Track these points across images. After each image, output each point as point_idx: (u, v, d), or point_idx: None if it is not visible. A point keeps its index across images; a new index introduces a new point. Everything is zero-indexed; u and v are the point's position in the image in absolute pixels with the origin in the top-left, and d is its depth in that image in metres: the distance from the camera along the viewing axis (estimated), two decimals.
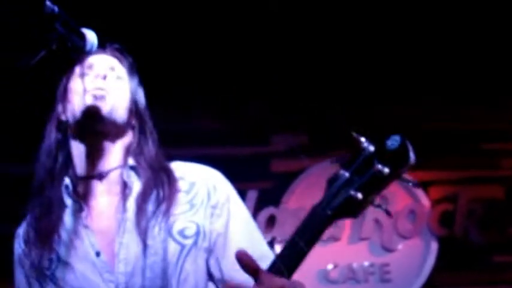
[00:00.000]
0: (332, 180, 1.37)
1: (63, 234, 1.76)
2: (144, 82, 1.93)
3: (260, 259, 1.48)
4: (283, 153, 4.71)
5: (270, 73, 4.40)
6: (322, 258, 4.36)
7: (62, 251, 1.75)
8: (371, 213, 4.48)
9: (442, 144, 4.50)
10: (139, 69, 1.93)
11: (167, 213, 1.73)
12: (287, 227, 4.54)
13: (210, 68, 4.31)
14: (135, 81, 1.89)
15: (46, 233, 1.76)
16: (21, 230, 1.88)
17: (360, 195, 1.32)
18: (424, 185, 4.48)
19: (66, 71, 1.80)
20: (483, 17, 4.11)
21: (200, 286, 1.74)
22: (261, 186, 4.58)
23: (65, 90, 1.82)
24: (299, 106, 4.51)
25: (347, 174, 1.35)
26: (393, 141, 1.30)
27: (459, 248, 4.49)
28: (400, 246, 4.50)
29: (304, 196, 4.58)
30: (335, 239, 4.48)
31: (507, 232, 4.51)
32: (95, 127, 1.76)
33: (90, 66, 1.82)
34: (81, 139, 1.80)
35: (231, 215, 1.81)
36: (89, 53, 1.59)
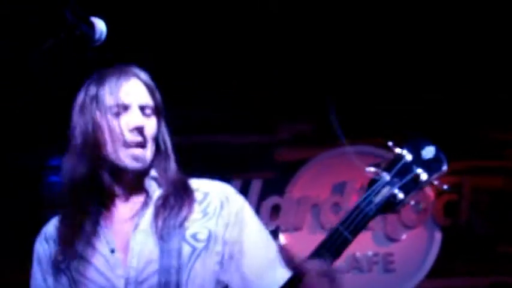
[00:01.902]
0: (374, 181, 1.63)
1: (83, 235, 1.85)
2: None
3: (272, 263, 1.83)
4: (287, 143, 4.71)
5: (274, 64, 4.39)
6: None
7: (79, 247, 1.84)
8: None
9: (446, 134, 4.50)
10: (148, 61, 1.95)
11: (182, 219, 1.84)
12: (291, 216, 4.55)
13: (215, 59, 4.30)
14: (160, 107, 1.94)
15: (68, 236, 1.86)
16: (45, 229, 1.98)
17: (401, 195, 1.61)
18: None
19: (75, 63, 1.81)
20: (481, 14, 4.10)
21: (207, 286, 1.83)
22: (265, 176, 4.59)
23: (99, 127, 1.85)
24: (304, 95, 4.51)
25: (388, 177, 1.61)
26: (428, 152, 1.62)
27: (463, 238, 4.49)
28: (404, 236, 4.51)
29: (308, 185, 4.60)
30: None
31: (511, 222, 4.51)
32: (132, 173, 1.87)
33: (126, 108, 1.85)
34: (111, 171, 1.88)
35: (245, 223, 1.90)
36: (98, 41, 1.59)
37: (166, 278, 1.78)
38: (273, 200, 4.56)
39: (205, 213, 1.88)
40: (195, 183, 1.94)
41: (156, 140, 1.92)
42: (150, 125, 1.88)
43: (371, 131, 4.51)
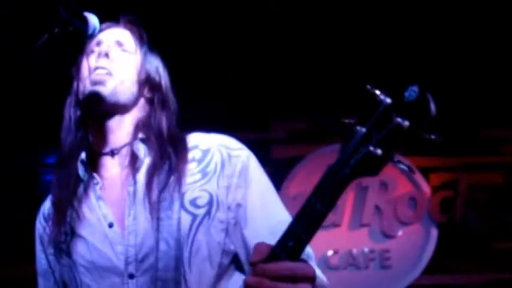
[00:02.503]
0: (348, 137, 1.26)
1: (78, 207, 1.74)
2: None
3: (279, 229, 1.42)
4: (283, 140, 4.72)
5: (270, 61, 4.39)
6: (323, 244, 4.38)
7: (76, 223, 1.73)
8: (371, 199, 4.49)
9: (442, 130, 4.49)
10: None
11: (178, 184, 1.66)
12: None
13: (211, 56, 4.30)
14: (147, 51, 1.85)
15: (61, 207, 1.75)
16: (43, 207, 1.89)
17: (379, 151, 1.22)
18: (425, 172, 4.49)
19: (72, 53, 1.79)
20: (479, 10, 4.10)
21: (213, 258, 1.67)
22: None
23: (77, 69, 1.80)
24: (299, 93, 4.51)
25: (364, 130, 1.25)
26: (411, 92, 1.21)
27: (459, 235, 4.49)
28: (400, 233, 4.51)
29: (304, 182, 4.58)
30: (335, 225, 4.49)
31: (507, 219, 4.52)
32: (97, 109, 1.74)
33: (98, 43, 1.79)
34: (91, 118, 1.78)
35: (248, 183, 1.71)
36: (91, 36, 1.58)
37: (164, 254, 1.62)
38: None
39: (204, 174, 1.70)
40: (194, 139, 1.79)
41: (145, 87, 1.82)
42: (126, 59, 1.79)
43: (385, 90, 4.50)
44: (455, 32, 4.22)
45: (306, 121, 4.69)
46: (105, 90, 1.71)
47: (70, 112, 1.81)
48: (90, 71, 1.73)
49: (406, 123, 1.19)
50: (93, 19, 1.57)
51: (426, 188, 4.49)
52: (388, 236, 4.51)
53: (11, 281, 4.25)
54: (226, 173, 1.70)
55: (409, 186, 4.50)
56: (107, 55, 1.74)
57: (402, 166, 1.28)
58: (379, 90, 1.26)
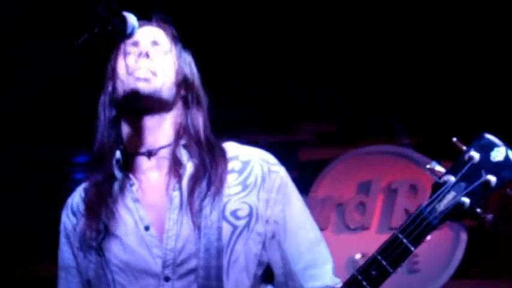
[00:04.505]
0: (438, 185, 1.45)
1: (113, 207, 1.76)
2: None
3: (314, 245, 1.73)
4: (311, 142, 4.71)
5: (299, 65, 4.39)
6: (351, 247, 4.36)
7: (110, 223, 1.75)
8: (401, 202, 4.46)
9: (470, 135, 4.45)
10: None
11: (219, 194, 1.71)
12: (315, 216, 4.49)
13: (242, 59, 4.31)
14: (182, 51, 1.87)
15: (96, 205, 1.77)
16: (71, 200, 1.90)
17: (467, 202, 1.41)
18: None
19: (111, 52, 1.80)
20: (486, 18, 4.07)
21: (250, 269, 1.73)
22: (289, 175, 4.58)
23: (112, 69, 1.81)
24: (327, 95, 4.50)
25: (453, 180, 1.44)
26: (498, 154, 1.43)
27: (489, 240, 4.44)
28: (429, 237, 4.45)
29: (333, 185, 4.59)
30: (364, 228, 4.47)
31: None
32: (138, 107, 1.76)
33: (135, 43, 1.80)
34: (129, 117, 1.80)
35: (287, 200, 1.79)
36: (130, 36, 1.59)
37: (206, 262, 1.66)
38: None
39: (245, 186, 1.75)
40: (233, 149, 1.84)
41: (183, 88, 1.83)
42: (166, 61, 1.80)
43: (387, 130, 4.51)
44: (473, 33, 4.19)
45: (334, 123, 4.68)
46: (149, 87, 1.73)
47: (105, 111, 1.83)
48: (131, 70, 1.75)
49: (494, 179, 1.40)
50: (131, 18, 1.58)
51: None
52: None
53: (32, 279, 4.30)
54: (266, 187, 1.76)
55: None
56: (147, 55, 1.76)
57: (483, 216, 1.44)
58: (466, 145, 1.47)
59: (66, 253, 1.88)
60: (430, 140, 4.50)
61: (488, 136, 1.49)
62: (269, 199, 1.75)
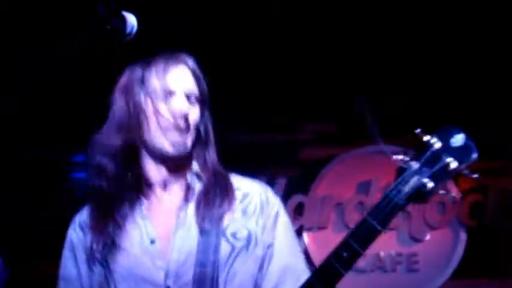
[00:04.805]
0: (402, 169, 1.56)
1: (121, 222, 1.84)
2: None
3: (294, 269, 1.89)
4: (312, 142, 4.71)
5: (298, 63, 4.39)
6: None
7: (117, 237, 1.84)
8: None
9: (472, 134, 4.45)
10: None
11: (223, 216, 1.85)
12: (315, 215, 4.55)
13: (242, 58, 4.31)
14: (205, 96, 1.95)
15: (104, 221, 1.85)
16: (78, 217, 1.98)
17: (430, 184, 1.52)
18: (454, 176, 4.44)
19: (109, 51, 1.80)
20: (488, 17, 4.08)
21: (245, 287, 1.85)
22: (290, 174, 4.59)
23: (143, 109, 1.84)
24: (328, 94, 4.50)
25: (416, 166, 1.54)
26: (457, 140, 1.56)
27: (488, 239, 4.45)
28: (428, 237, 4.48)
29: (332, 184, 4.59)
30: None
31: None
32: (164, 159, 1.87)
33: (170, 92, 1.85)
34: (150, 157, 1.89)
35: (279, 226, 1.94)
36: (129, 35, 1.59)
37: (202, 272, 1.78)
38: (298, 198, 4.56)
39: (244, 213, 1.89)
40: (235, 181, 1.96)
41: (198, 129, 1.91)
42: (194, 112, 1.88)
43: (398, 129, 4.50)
44: (482, 33, 4.19)
45: (334, 123, 4.68)
46: (180, 151, 1.84)
47: (127, 137, 1.86)
48: (167, 128, 1.82)
49: (455, 163, 1.53)
50: (131, 18, 1.58)
51: (455, 192, 4.45)
52: (416, 239, 4.49)
53: (32, 279, 4.30)
54: (264, 215, 1.91)
55: None
56: (186, 118, 1.84)
57: (447, 197, 1.61)
58: (429, 135, 1.58)
59: (69, 266, 1.95)
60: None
61: (449, 126, 1.60)
62: (265, 225, 1.89)
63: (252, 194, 1.93)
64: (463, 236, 4.44)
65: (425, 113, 4.42)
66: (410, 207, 4.67)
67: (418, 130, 1.58)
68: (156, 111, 1.82)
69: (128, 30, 1.55)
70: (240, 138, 4.56)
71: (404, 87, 4.47)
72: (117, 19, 1.52)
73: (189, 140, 1.86)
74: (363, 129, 4.38)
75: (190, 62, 1.91)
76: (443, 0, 4.09)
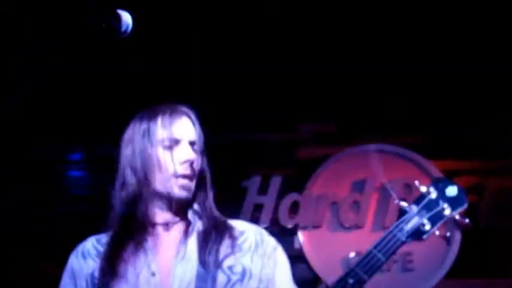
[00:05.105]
0: (404, 211, 1.93)
1: (124, 255, 1.97)
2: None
3: None
4: (308, 141, 4.72)
5: (295, 62, 4.40)
6: (345, 246, 4.37)
7: (119, 267, 1.95)
8: (395, 203, 4.46)
9: (468, 134, 4.47)
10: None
11: (220, 252, 1.98)
12: (310, 214, 4.56)
13: (238, 57, 4.32)
14: (203, 146, 2.08)
15: (108, 252, 1.99)
16: (82, 246, 2.09)
17: (428, 225, 1.92)
18: (449, 175, 4.45)
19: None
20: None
21: None
22: (285, 173, 4.60)
23: (147, 155, 1.99)
24: (326, 94, 4.52)
25: (416, 209, 1.93)
26: (451, 191, 1.95)
27: (483, 239, 4.46)
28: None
29: (327, 183, 4.60)
30: (358, 226, 4.49)
31: None
32: (177, 203, 2.01)
33: (176, 141, 1.99)
34: (160, 203, 2.02)
35: (277, 263, 2.07)
36: (124, 34, 1.61)
37: None
38: (292, 197, 4.57)
39: (240, 249, 2.02)
40: (232, 222, 2.10)
41: (200, 175, 2.05)
42: (197, 160, 2.01)
43: (394, 130, 4.52)
44: (484, 31, 4.20)
45: (330, 123, 4.70)
46: (188, 195, 2.00)
47: (139, 189, 2.00)
48: (177, 175, 1.97)
49: (449, 209, 1.93)
50: (126, 16, 1.59)
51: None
52: None
53: (32, 279, 4.31)
54: (259, 253, 2.04)
55: None
56: (191, 165, 1.99)
57: (444, 236, 2.05)
58: (425, 186, 1.97)
59: None
60: (428, 140, 4.54)
61: (443, 178, 2.08)
62: (263, 262, 2.03)
63: (247, 233, 2.07)
64: (458, 236, 4.45)
65: (425, 113, 4.45)
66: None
67: (417, 182, 2.00)
68: (164, 160, 1.97)
69: (123, 28, 1.57)
70: (237, 137, 4.58)
71: (404, 87, 4.49)
72: (112, 17, 1.54)
73: (193, 185, 2.01)
74: (360, 129, 4.41)
75: (192, 114, 2.06)
76: (443, 1, 4.11)
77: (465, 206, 1.96)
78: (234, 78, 4.45)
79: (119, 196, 2.02)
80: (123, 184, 2.02)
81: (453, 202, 1.93)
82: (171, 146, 1.98)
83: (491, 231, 4.48)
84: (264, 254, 2.05)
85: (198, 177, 2.04)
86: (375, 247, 1.85)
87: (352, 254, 4.44)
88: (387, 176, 4.42)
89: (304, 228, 4.54)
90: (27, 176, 4.52)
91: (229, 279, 1.96)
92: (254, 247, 2.04)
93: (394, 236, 1.87)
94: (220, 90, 4.42)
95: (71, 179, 4.55)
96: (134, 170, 2.00)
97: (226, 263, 1.98)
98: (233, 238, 2.04)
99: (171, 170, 1.96)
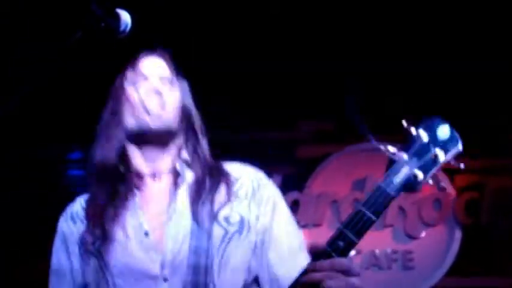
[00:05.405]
0: (392, 162, 1.63)
1: (114, 214, 1.87)
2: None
3: (297, 252, 1.87)
4: (308, 139, 4.72)
5: (296, 61, 4.40)
6: None
7: (111, 229, 1.85)
8: (395, 200, 4.46)
9: (468, 132, 4.47)
10: None
11: (215, 201, 1.86)
12: (310, 212, 4.56)
13: (238, 57, 4.32)
14: (184, 85, 2.01)
15: (97, 213, 1.87)
16: (70, 209, 1.99)
17: (420, 174, 1.59)
18: (450, 173, 4.46)
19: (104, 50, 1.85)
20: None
21: (239, 273, 1.85)
22: (285, 171, 4.60)
23: (120, 96, 1.93)
24: (326, 93, 4.52)
25: (406, 157, 1.61)
26: (443, 132, 1.61)
27: (483, 237, 4.46)
28: (423, 234, 4.49)
29: (328, 181, 4.60)
30: None
31: None
32: (147, 139, 1.90)
33: (145, 78, 1.93)
34: (137, 145, 1.93)
35: (275, 211, 1.93)
36: (123, 33, 1.61)
37: (196, 260, 1.79)
38: (293, 195, 4.57)
39: (236, 197, 1.90)
40: (227, 167, 1.97)
41: (183, 116, 1.96)
42: (173, 95, 1.94)
43: (394, 130, 4.51)
44: (484, 30, 4.20)
45: (330, 121, 4.70)
46: (159, 123, 1.87)
47: (109, 131, 1.94)
48: (144, 105, 1.88)
49: (442, 154, 1.59)
50: (125, 16, 1.59)
51: (451, 190, 4.47)
52: (411, 236, 4.50)
53: (32, 279, 4.30)
54: (256, 201, 1.91)
55: (434, 188, 4.47)
56: (159, 92, 1.89)
57: (437, 187, 1.74)
58: (415, 127, 1.63)
59: (61, 258, 1.95)
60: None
61: (434, 117, 1.65)
62: (259, 214, 1.89)
63: (243, 178, 1.94)
64: (458, 234, 4.45)
65: (425, 113, 4.44)
66: (405, 205, 4.70)
67: (405, 123, 1.65)
68: (132, 96, 1.90)
69: (122, 28, 1.57)
70: (237, 136, 4.58)
71: (404, 87, 4.49)
72: (111, 17, 1.54)
73: (169, 115, 1.90)
74: (358, 128, 4.40)
75: (166, 54, 2.00)
76: (443, 2, 4.11)
77: (459, 147, 1.61)
78: (234, 78, 4.45)
79: (100, 144, 1.94)
80: (105, 134, 1.94)
81: (446, 144, 1.60)
82: (139, 82, 1.92)
83: (492, 230, 4.48)
84: (261, 200, 1.91)
85: (182, 116, 1.95)
86: (364, 205, 1.59)
87: (352, 252, 4.43)
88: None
89: (304, 226, 4.54)
90: (27, 176, 4.52)
91: (226, 232, 1.84)
92: (251, 194, 1.91)
93: (384, 191, 1.59)
94: (221, 90, 4.42)
95: (71, 179, 4.55)
96: (109, 113, 1.95)
97: (222, 214, 1.86)
98: (229, 185, 1.91)
99: (138, 101, 1.87)
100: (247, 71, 4.42)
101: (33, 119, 4.09)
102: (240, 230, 1.85)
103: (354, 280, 1.57)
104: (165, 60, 1.99)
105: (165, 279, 1.79)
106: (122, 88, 1.93)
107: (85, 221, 1.90)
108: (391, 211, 4.46)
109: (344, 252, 1.58)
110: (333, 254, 1.57)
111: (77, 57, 1.53)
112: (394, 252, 4.49)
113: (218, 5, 4.05)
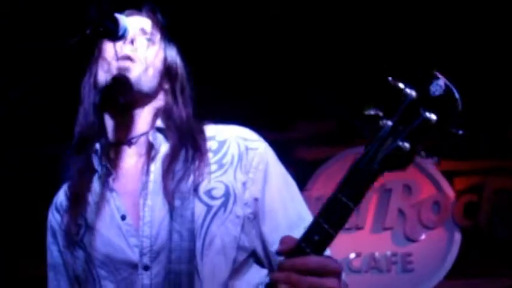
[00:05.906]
0: (374, 130, 1.26)
1: (91, 199, 1.72)
2: None
3: (294, 226, 1.59)
4: (307, 141, 4.72)
5: (295, 62, 4.40)
6: (345, 247, 4.37)
7: (89, 216, 1.70)
8: (395, 202, 4.47)
9: (467, 134, 4.46)
10: None
11: (194, 174, 1.62)
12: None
13: (235, 57, 4.32)
14: (168, 42, 1.86)
15: (75, 199, 1.74)
16: (56, 198, 1.89)
17: (407, 146, 1.22)
18: (449, 176, 4.46)
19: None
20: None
21: (228, 252, 1.63)
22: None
23: (99, 51, 1.79)
24: (325, 94, 4.51)
25: (390, 123, 1.24)
26: (437, 87, 1.21)
27: (483, 240, 4.46)
28: (423, 237, 4.49)
29: (327, 184, 4.58)
30: (358, 227, 4.49)
31: None
32: (119, 96, 1.73)
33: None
34: (110, 106, 1.77)
35: (266, 179, 1.69)
36: (122, 37, 1.61)
37: (177, 245, 1.57)
38: None
39: (220, 165, 1.67)
40: (211, 130, 1.77)
41: (167, 80, 1.82)
42: (150, 50, 1.77)
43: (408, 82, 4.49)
44: (484, 29, 4.19)
45: (331, 122, 4.69)
46: (129, 76, 1.70)
47: (89, 94, 1.80)
48: (114, 58, 1.72)
49: (434, 117, 1.20)
50: (123, 20, 1.59)
51: (450, 192, 4.46)
52: (410, 239, 4.49)
53: (31, 279, 4.30)
54: (243, 167, 1.67)
55: (433, 190, 4.48)
56: (132, 42, 1.73)
57: (429, 159, 1.26)
58: (403, 82, 1.24)
59: (54, 252, 1.86)
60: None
61: (425, 70, 1.25)
62: (247, 180, 1.66)
63: (228, 141, 1.71)
64: (458, 236, 4.45)
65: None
66: (405, 208, 4.68)
67: (391, 78, 1.27)
68: (108, 48, 1.75)
69: (121, 32, 1.57)
70: None
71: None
72: (109, 21, 1.54)
73: (138, 69, 1.72)
74: (359, 130, 4.39)
75: (151, 12, 1.86)
76: (443, 4, 4.11)
77: (459, 107, 1.20)
78: (233, 78, 4.44)
79: (79, 113, 1.80)
80: (84, 99, 1.81)
81: (441, 105, 1.19)
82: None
83: (491, 233, 4.47)
84: (249, 166, 1.67)
85: (164, 79, 1.79)
86: (340, 190, 1.25)
87: (352, 255, 4.45)
88: (386, 176, 4.40)
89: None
90: (27, 176, 4.52)
91: (208, 209, 1.60)
92: (237, 159, 1.66)
93: (362, 171, 1.24)
94: (220, 90, 4.42)
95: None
96: (87, 78, 1.81)
97: (203, 188, 1.61)
98: (211, 153, 1.67)
99: (111, 53, 1.71)
100: (247, 71, 4.42)
101: (33, 119, 4.09)
102: (224, 204, 1.61)
103: (326, 281, 1.26)
104: (152, 19, 1.84)
105: (146, 268, 1.62)
106: (100, 48, 1.79)
107: (68, 210, 1.76)
108: (391, 214, 4.46)
109: (320, 247, 1.28)
110: (307, 250, 1.28)
111: (76, 57, 1.53)
112: (394, 255, 4.49)
113: (218, 5, 4.05)
